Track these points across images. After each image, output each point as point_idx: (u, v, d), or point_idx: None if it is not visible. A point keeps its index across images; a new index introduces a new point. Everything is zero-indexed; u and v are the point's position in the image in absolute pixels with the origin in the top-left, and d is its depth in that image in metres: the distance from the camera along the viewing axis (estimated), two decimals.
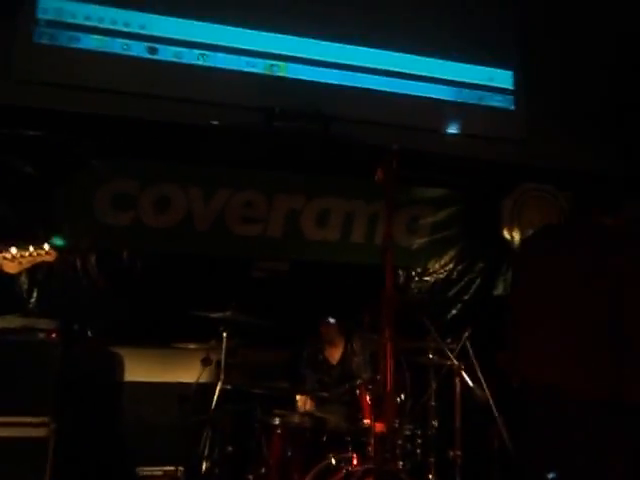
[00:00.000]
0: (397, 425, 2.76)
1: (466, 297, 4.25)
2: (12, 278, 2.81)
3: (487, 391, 2.98)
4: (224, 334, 3.18)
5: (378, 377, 2.47)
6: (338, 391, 3.11)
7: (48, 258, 2.31)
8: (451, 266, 4.30)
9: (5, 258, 2.21)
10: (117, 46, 3.90)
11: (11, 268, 2.22)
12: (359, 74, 4.29)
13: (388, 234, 1.72)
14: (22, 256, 2.23)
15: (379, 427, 1.65)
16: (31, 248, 2.26)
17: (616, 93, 4.58)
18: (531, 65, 4.60)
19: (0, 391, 2.87)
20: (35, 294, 3.50)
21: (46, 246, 2.29)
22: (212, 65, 4.05)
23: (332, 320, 3.49)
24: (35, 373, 2.97)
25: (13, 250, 2.24)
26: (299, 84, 4.16)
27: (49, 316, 3.25)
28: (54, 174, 3.64)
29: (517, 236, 4.44)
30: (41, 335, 3.06)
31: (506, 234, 4.44)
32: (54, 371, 3.02)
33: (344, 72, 4.26)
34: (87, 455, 3.40)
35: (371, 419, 2.61)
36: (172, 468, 3.35)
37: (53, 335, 3.07)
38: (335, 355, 3.53)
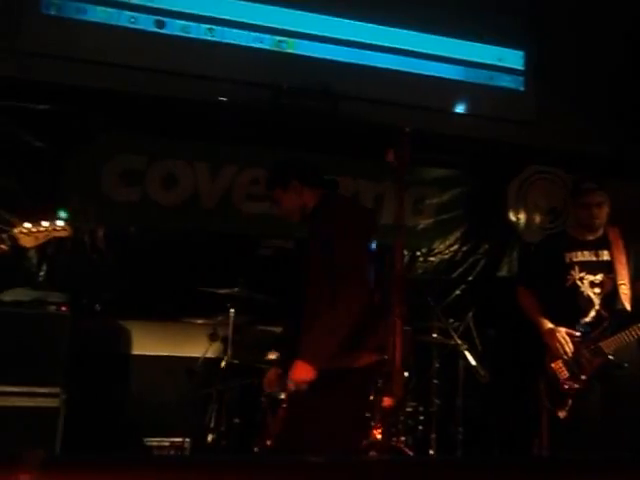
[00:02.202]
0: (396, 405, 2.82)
1: (470, 278, 4.29)
2: (22, 252, 2.84)
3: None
4: (231, 310, 3.22)
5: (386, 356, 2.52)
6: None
7: (63, 233, 2.33)
8: (456, 247, 4.32)
9: (21, 232, 2.24)
10: (124, 19, 3.85)
11: (27, 242, 2.26)
12: (368, 52, 4.24)
13: (400, 215, 1.74)
14: (38, 231, 2.27)
15: (387, 402, 1.71)
16: (45, 223, 2.29)
17: (627, 75, 4.53)
18: (542, 46, 4.54)
19: (13, 362, 2.93)
20: (44, 268, 3.54)
21: (60, 222, 2.32)
22: (219, 40, 4.01)
23: None
24: (46, 345, 3.03)
25: (27, 225, 2.27)
26: (307, 61, 4.12)
27: (59, 289, 3.29)
28: (62, 148, 3.64)
29: (523, 219, 4.45)
30: (52, 308, 3.11)
31: (512, 216, 4.45)
32: (64, 343, 3.07)
33: (352, 49, 4.22)
34: (96, 425, 3.48)
35: (376, 395, 2.66)
36: (179, 439, 3.44)
37: (63, 308, 3.12)
38: None
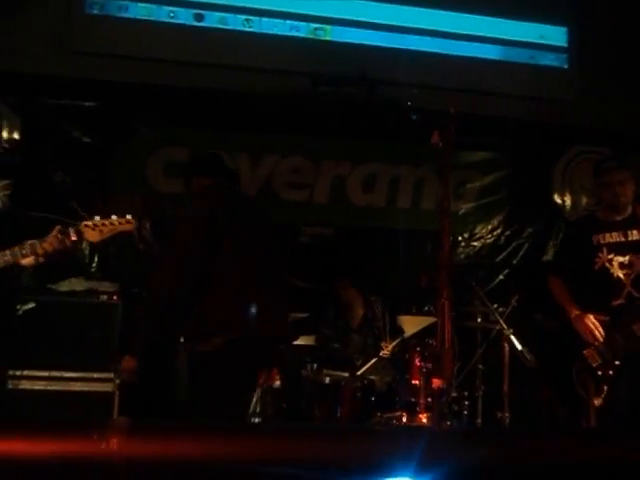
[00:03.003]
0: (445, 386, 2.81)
1: (514, 262, 4.21)
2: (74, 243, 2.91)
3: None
4: None
5: (431, 341, 2.54)
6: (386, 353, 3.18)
7: (128, 227, 2.25)
8: (499, 231, 4.25)
9: (87, 226, 2.19)
10: (163, 14, 3.92)
11: (92, 236, 2.20)
12: (404, 35, 4.19)
13: (445, 196, 1.74)
14: (104, 224, 2.20)
15: (436, 383, 1.72)
16: (114, 217, 2.23)
17: None
18: (586, 20, 4.38)
19: (69, 349, 3.07)
20: (96, 259, 3.68)
21: (128, 215, 2.24)
22: (257, 30, 4.04)
23: (350, 282, 3.52)
24: (99, 333, 3.15)
25: (97, 218, 2.22)
26: (344, 47, 4.10)
27: (110, 280, 3.42)
28: (109, 143, 3.76)
29: (568, 201, 4.33)
30: (104, 297, 3.23)
31: (557, 199, 4.34)
32: (116, 331, 3.19)
33: (389, 33, 4.17)
34: (147, 409, 3.60)
35: (420, 379, 2.67)
36: None
37: (114, 297, 3.24)
38: (355, 319, 3.56)
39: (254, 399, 3.35)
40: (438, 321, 1.54)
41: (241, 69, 3.96)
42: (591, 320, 2.60)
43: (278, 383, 3.25)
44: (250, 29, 4.03)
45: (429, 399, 2.74)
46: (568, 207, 4.33)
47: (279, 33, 4.06)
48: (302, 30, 4.11)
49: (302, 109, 3.97)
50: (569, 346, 2.76)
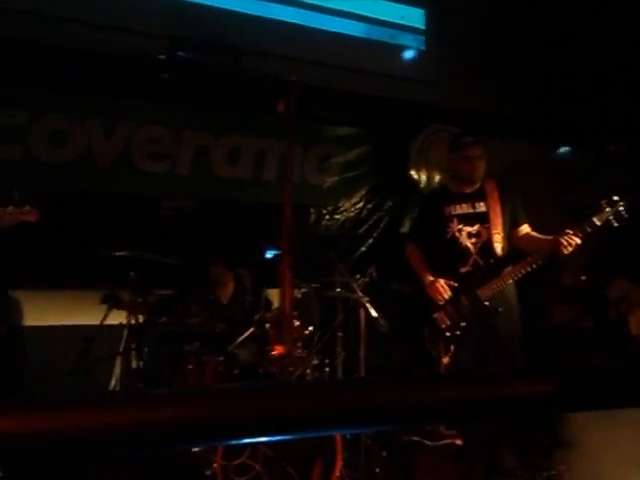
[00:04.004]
0: (305, 354, 2.88)
1: (375, 234, 4.41)
2: None
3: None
4: (131, 273, 3.10)
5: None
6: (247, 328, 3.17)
7: (29, 218, 2.22)
8: (361, 205, 4.41)
9: None
10: None
11: None
12: (270, 4, 4.12)
13: (288, 165, 1.73)
14: (1, 214, 2.08)
15: (277, 350, 1.73)
16: (11, 207, 2.18)
17: (531, 36, 4.71)
18: (444, 4, 4.62)
19: None
20: None
21: (27, 207, 2.21)
22: None
23: (220, 260, 3.49)
24: None
25: None
26: (206, 11, 3.92)
27: None
28: None
29: (424, 176, 4.61)
30: None
31: (414, 174, 4.60)
32: None
33: (254, 1, 4.07)
34: None
35: (267, 345, 2.71)
36: None
37: None
38: (225, 294, 3.54)
39: (113, 380, 3.18)
40: (280, 289, 1.54)
41: (91, 26, 3.61)
42: (441, 285, 2.77)
43: (136, 362, 3.11)
44: None
45: (290, 368, 2.78)
46: (423, 182, 4.61)
47: None
48: None
49: (160, 74, 3.74)
50: (422, 310, 2.95)
